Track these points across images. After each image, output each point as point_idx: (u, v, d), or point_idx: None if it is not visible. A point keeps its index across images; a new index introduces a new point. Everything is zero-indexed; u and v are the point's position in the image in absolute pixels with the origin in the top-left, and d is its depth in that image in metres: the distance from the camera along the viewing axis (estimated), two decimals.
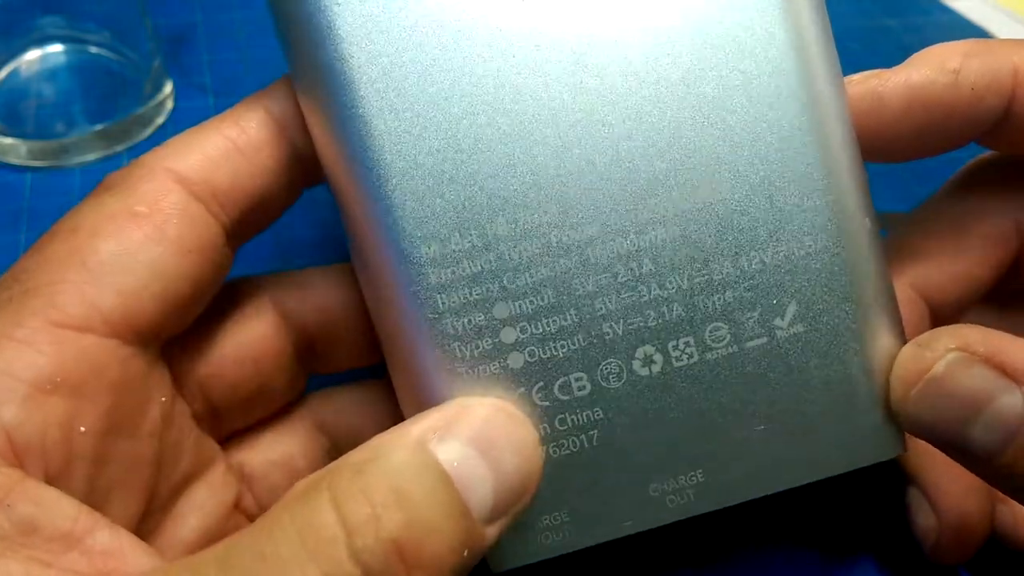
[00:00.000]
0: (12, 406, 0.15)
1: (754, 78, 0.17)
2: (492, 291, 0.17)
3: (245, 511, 0.21)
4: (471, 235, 0.17)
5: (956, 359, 0.17)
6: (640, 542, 0.19)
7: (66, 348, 0.16)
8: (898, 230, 0.23)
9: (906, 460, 0.22)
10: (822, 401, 0.18)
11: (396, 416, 0.16)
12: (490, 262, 0.17)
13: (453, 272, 0.17)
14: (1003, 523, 0.23)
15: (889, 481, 0.23)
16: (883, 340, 0.18)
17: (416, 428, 0.16)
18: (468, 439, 0.16)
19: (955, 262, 0.22)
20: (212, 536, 0.19)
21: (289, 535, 0.14)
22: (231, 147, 0.18)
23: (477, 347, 0.17)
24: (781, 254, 0.17)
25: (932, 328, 0.18)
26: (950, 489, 0.22)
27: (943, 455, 0.21)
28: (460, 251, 0.17)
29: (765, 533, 0.24)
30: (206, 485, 0.20)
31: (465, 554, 0.15)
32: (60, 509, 0.15)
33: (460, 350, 0.17)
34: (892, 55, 0.20)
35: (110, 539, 0.15)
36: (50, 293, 0.16)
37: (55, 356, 0.16)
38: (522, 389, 0.17)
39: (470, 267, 0.17)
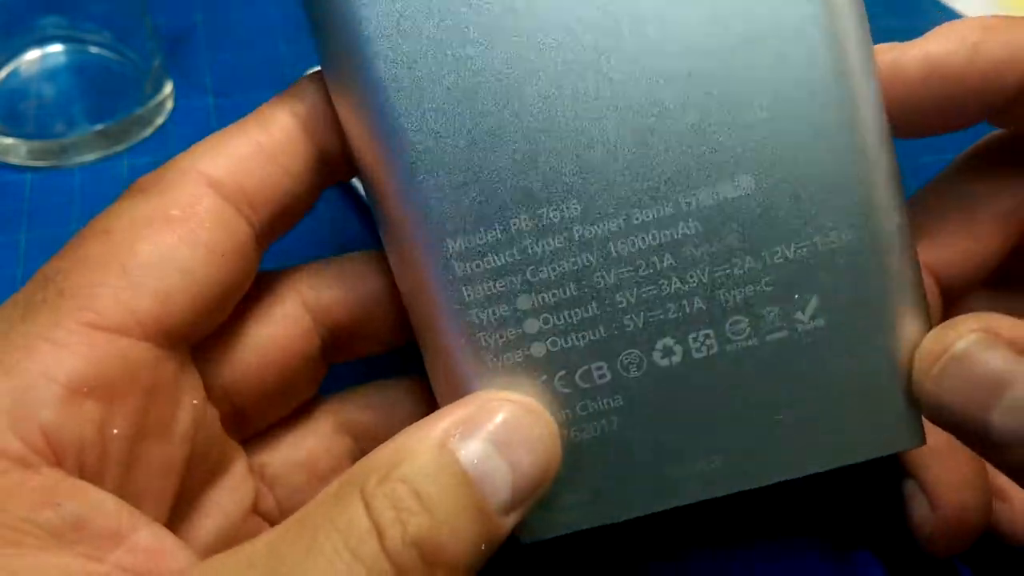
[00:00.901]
0: (50, 408, 0.15)
1: (783, 74, 0.17)
2: (515, 284, 0.17)
3: (264, 513, 0.21)
4: (495, 229, 0.17)
5: (978, 339, 0.17)
6: (642, 527, 0.19)
7: (101, 351, 0.16)
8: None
9: (904, 452, 0.22)
10: (842, 392, 0.18)
11: (418, 415, 0.17)
12: (514, 255, 0.17)
13: (478, 265, 0.17)
14: (1000, 520, 0.23)
15: (887, 473, 0.23)
16: (909, 334, 0.18)
17: (438, 427, 0.16)
18: (487, 437, 0.16)
19: (965, 240, 0.22)
20: (229, 538, 0.19)
21: (330, 532, 0.14)
22: (259, 150, 0.18)
23: (501, 337, 0.18)
24: (805, 249, 0.17)
25: (943, 305, 0.18)
26: (946, 481, 0.22)
27: (940, 447, 0.21)
28: (485, 245, 0.17)
29: (763, 524, 0.24)
30: (226, 486, 0.20)
31: (483, 547, 0.16)
32: (105, 507, 0.15)
33: (485, 340, 0.18)
34: None
35: (153, 537, 0.15)
36: (86, 296, 0.16)
37: (90, 359, 0.16)
38: (544, 377, 0.18)
39: (494, 260, 0.17)
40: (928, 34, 0.19)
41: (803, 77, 0.17)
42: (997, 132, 0.22)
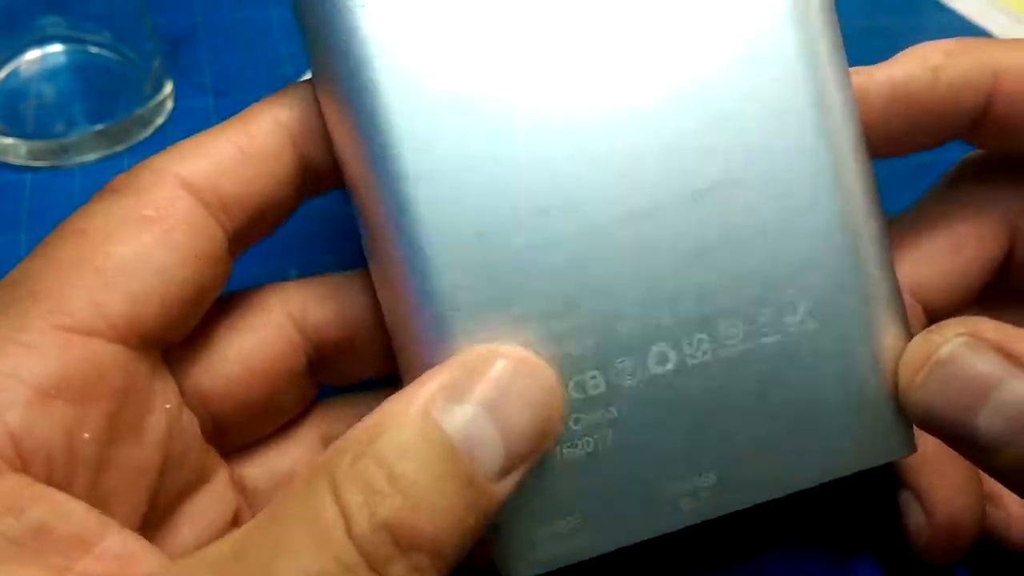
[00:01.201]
0: (17, 411, 0.15)
1: (764, 86, 0.17)
2: (507, 292, 0.17)
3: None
4: (486, 239, 0.17)
5: (964, 343, 0.17)
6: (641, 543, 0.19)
7: (71, 352, 0.16)
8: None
9: (898, 462, 0.22)
10: (834, 399, 0.18)
11: None
12: (505, 264, 0.17)
13: (468, 275, 0.17)
14: (995, 525, 0.23)
15: (882, 483, 0.23)
16: (892, 337, 0.18)
17: (422, 394, 0.15)
18: (477, 400, 0.15)
19: (949, 262, 0.22)
20: None
21: (297, 525, 0.14)
22: (239, 155, 0.18)
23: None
24: (792, 254, 0.18)
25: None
26: (940, 490, 0.22)
27: (933, 456, 0.21)
28: (476, 254, 0.17)
29: (762, 533, 0.24)
30: (206, 498, 0.19)
31: (473, 521, 0.15)
32: (71, 513, 0.15)
33: None
34: (890, 56, 0.20)
35: (122, 543, 0.15)
36: (58, 297, 0.16)
37: (60, 360, 0.16)
38: None
39: (485, 270, 0.17)
40: (894, 57, 0.19)
41: (783, 93, 0.17)
42: (975, 152, 0.22)
